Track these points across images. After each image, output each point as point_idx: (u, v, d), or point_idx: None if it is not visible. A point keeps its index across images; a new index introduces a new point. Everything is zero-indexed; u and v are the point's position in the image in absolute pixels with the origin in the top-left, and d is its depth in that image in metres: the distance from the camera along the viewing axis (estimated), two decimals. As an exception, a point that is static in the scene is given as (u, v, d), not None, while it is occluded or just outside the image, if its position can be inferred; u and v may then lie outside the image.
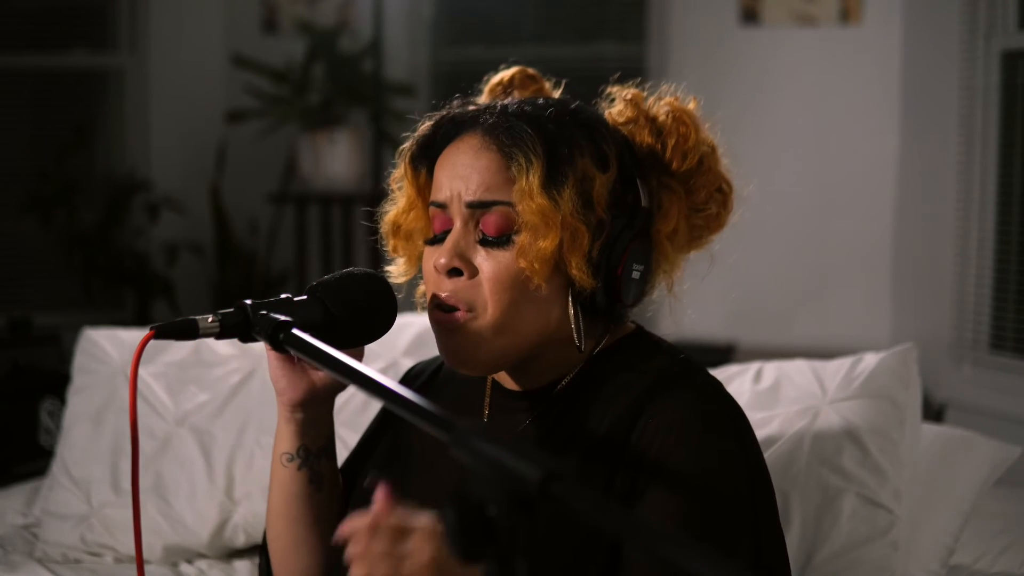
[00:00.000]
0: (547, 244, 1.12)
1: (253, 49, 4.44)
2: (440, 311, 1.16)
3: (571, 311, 1.16)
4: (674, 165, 1.22)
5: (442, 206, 1.17)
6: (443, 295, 1.15)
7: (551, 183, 1.12)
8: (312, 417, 1.22)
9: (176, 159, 4.59)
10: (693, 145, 1.22)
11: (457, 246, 1.15)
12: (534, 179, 1.12)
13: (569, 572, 1.09)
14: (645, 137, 1.23)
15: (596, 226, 1.15)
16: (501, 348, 1.15)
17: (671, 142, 1.22)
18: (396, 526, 0.90)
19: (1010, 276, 3.51)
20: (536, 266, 1.12)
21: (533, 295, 1.14)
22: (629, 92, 1.25)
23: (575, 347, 1.17)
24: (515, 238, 1.13)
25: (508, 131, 1.14)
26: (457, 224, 1.16)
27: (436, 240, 1.18)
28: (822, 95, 4.03)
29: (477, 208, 1.14)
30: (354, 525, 0.91)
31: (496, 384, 1.25)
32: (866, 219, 3.99)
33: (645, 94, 1.26)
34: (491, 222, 1.14)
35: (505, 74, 1.34)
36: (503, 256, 1.13)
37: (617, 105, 1.26)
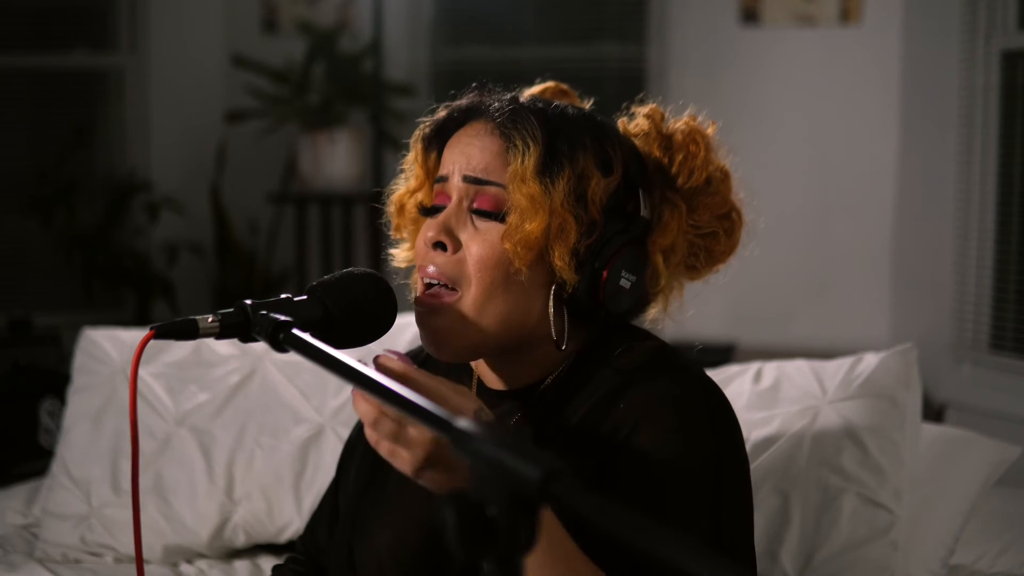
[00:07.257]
0: (533, 227, 1.13)
1: (253, 49, 4.44)
2: (425, 289, 1.18)
3: (551, 308, 1.17)
4: (679, 180, 1.23)
5: (442, 179, 1.20)
6: (429, 271, 1.17)
7: (545, 171, 1.14)
8: None
9: (176, 159, 4.59)
10: (701, 163, 1.24)
11: (448, 221, 1.17)
12: (529, 163, 1.14)
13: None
14: (655, 150, 1.25)
15: (588, 224, 1.16)
16: (478, 332, 1.16)
17: (679, 157, 1.24)
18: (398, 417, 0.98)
19: (1010, 276, 3.51)
20: (519, 249, 1.14)
21: (514, 280, 1.15)
22: (648, 108, 1.27)
23: (557, 346, 1.18)
24: (505, 219, 1.15)
25: (512, 117, 1.17)
26: (453, 199, 1.18)
27: (432, 211, 1.20)
28: (822, 95, 4.03)
29: (472, 183, 1.17)
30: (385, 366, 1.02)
31: (481, 384, 1.26)
32: (866, 219, 3.98)
33: (667, 114, 1.28)
34: (484, 199, 1.16)
35: (537, 88, 1.35)
36: (490, 236, 1.15)
37: (636, 119, 1.28)
